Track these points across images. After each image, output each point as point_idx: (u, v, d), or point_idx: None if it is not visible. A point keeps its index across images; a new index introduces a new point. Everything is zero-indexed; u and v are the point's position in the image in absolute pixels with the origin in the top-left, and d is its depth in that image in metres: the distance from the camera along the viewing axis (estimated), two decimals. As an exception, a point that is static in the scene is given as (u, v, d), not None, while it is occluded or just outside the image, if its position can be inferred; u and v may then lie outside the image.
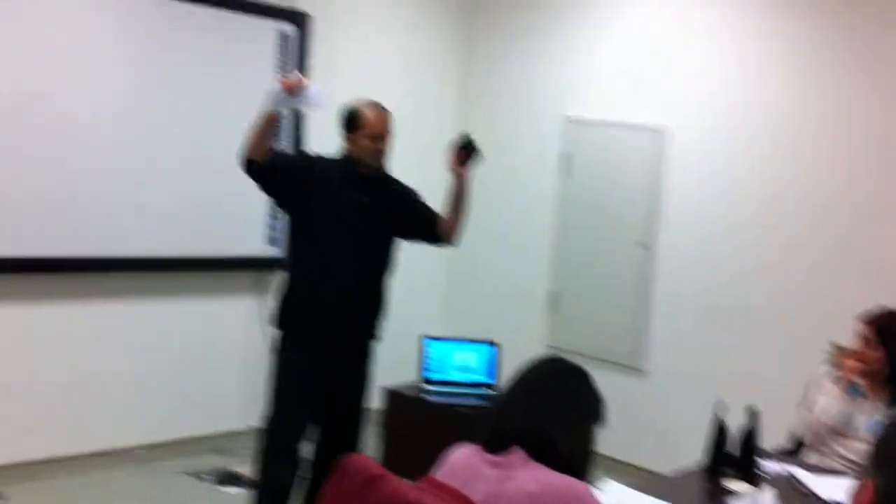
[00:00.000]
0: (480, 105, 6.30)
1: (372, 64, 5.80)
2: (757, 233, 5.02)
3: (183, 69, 4.92)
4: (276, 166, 3.72)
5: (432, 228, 3.99)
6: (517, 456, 2.18)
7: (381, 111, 3.85)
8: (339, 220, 3.81)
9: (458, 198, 3.93)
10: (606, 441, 5.27)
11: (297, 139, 5.32)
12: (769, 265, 4.97)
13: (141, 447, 4.92)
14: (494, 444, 2.24)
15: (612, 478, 4.01)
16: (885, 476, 1.57)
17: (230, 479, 4.85)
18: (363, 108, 3.83)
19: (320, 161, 3.96)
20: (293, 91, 3.58)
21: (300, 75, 3.67)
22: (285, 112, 3.66)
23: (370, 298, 3.96)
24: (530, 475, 2.15)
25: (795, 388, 3.80)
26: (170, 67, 4.87)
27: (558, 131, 5.81)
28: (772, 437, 3.61)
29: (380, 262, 3.97)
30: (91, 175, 4.62)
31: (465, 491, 2.13)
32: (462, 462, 2.27)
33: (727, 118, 5.13)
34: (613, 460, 5.35)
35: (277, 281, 5.32)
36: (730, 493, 2.88)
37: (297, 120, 5.28)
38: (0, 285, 4.44)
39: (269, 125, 3.64)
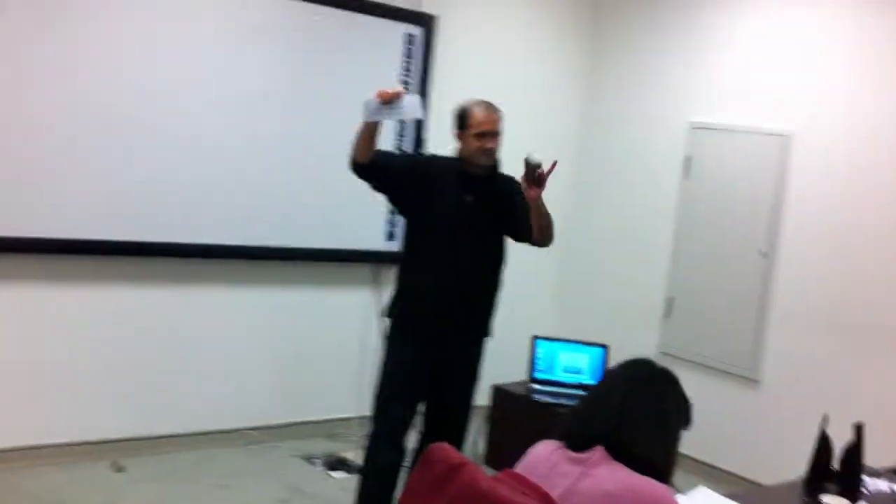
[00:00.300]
0: (604, 109, 6.28)
1: (496, 65, 5.86)
2: (883, 244, 4.84)
3: (312, 70, 5.08)
4: (379, 167, 3.83)
5: (527, 231, 3.96)
6: (598, 454, 2.21)
7: (491, 110, 3.87)
8: (444, 218, 3.89)
9: (537, 214, 3.86)
10: (715, 449, 5.30)
11: (418, 140, 5.42)
12: (894, 279, 4.80)
13: (255, 429, 5.11)
14: (577, 441, 2.27)
15: (714, 486, 3.97)
16: None
17: (339, 464, 4.98)
18: (472, 107, 3.87)
19: (428, 161, 4.08)
20: (389, 102, 3.66)
21: (399, 87, 3.75)
22: (383, 121, 3.75)
23: (476, 295, 4.02)
24: (609, 474, 2.17)
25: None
26: (299, 68, 5.04)
27: (682, 137, 5.75)
28: (888, 456, 3.51)
29: (486, 260, 4.02)
30: (225, 171, 4.83)
31: (544, 485, 2.16)
32: (543, 457, 2.31)
33: (855, 123, 4.97)
34: (721, 469, 5.29)
35: (393, 274, 5.49)
36: (825, 507, 2.82)
37: (419, 122, 5.40)
38: (141, 269, 4.69)
39: (369, 133, 3.75)
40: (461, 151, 3.92)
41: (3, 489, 4.14)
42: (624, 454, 2.20)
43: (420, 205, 3.92)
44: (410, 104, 3.70)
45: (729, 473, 5.21)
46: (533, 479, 2.20)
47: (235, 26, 4.82)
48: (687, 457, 5.45)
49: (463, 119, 3.88)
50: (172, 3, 4.59)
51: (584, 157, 6.37)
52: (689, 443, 5.42)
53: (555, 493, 2.15)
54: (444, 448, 2.29)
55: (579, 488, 2.17)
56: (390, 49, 5.37)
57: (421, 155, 4.13)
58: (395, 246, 5.42)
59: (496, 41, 5.90)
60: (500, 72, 5.85)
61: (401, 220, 5.39)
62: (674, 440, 2.30)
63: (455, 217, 3.89)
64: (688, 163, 5.70)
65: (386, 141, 5.31)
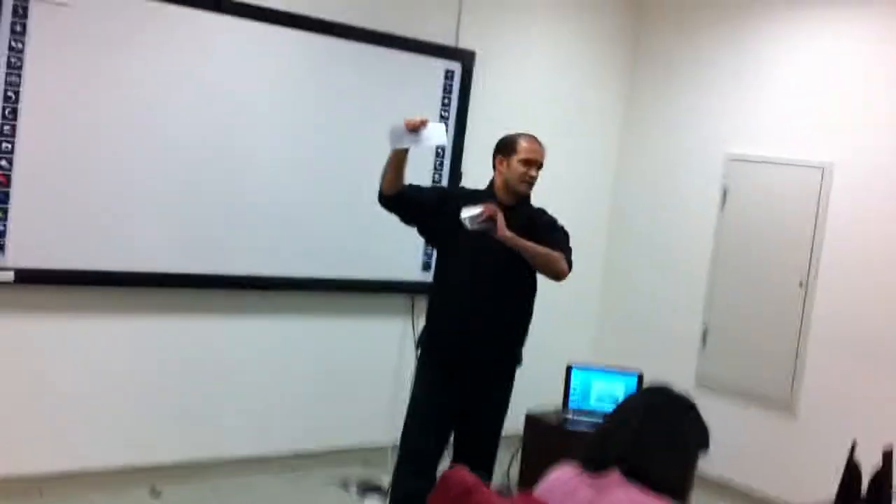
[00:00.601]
0: (642, 141, 6.31)
1: (533, 98, 5.93)
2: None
3: (355, 107, 5.18)
4: (406, 199, 3.93)
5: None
6: (615, 477, 2.24)
7: (538, 142, 4.03)
8: (473, 250, 3.91)
9: (524, 255, 3.87)
10: (752, 476, 5.26)
11: (454, 174, 5.51)
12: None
13: (291, 455, 5.18)
14: (595, 465, 2.30)
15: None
16: None
17: (373, 490, 5.03)
18: (519, 136, 4.01)
19: (457, 193, 4.16)
20: (415, 130, 3.75)
21: (424, 116, 3.84)
22: (409, 148, 3.83)
23: (502, 327, 4.04)
24: (624, 496, 2.19)
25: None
26: (342, 105, 5.14)
27: (719, 168, 5.76)
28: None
29: (514, 290, 4.04)
30: (267, 203, 4.93)
31: (559, 509, 2.20)
32: (561, 480, 2.34)
33: (892, 150, 4.95)
34: (759, 496, 5.26)
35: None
36: (849, 535, 2.81)
37: (456, 154, 5.48)
38: (183, 300, 4.80)
39: (397, 161, 3.84)
40: (501, 178, 4.00)
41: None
42: (640, 477, 2.22)
43: (449, 236, 3.97)
44: (435, 131, 3.81)
45: (766, 499, 5.17)
46: (550, 502, 2.24)
47: (275, 65, 4.93)
48: (725, 484, 5.44)
49: (509, 146, 3.99)
50: (221, 42, 4.73)
51: (622, 189, 6.40)
52: (727, 469, 5.47)
53: (570, 516, 2.19)
54: (459, 472, 2.34)
55: (599, 510, 2.20)
56: (430, 85, 5.47)
57: (452, 187, 4.20)
58: (430, 276, 5.49)
59: (533, 75, 5.97)
60: (538, 105, 5.91)
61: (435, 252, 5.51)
62: (690, 464, 2.32)
63: (483, 248, 3.89)
64: (724, 194, 5.70)
65: (422, 175, 5.41)
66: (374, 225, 5.23)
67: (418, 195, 4.02)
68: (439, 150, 5.46)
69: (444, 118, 5.48)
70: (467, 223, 3.71)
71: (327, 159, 5.13)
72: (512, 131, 4.08)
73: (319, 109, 5.08)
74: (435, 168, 5.49)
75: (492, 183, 4.07)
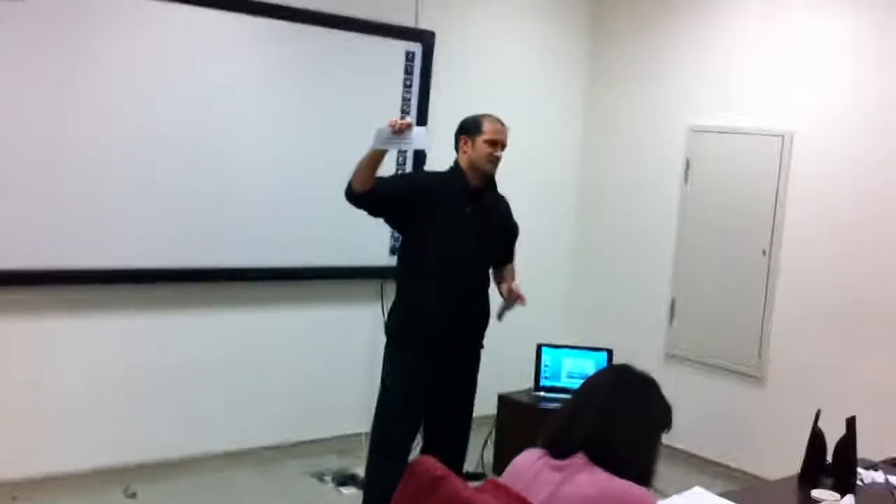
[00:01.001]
0: (604, 116, 6.32)
1: (494, 77, 5.90)
2: (884, 241, 4.86)
3: (314, 91, 5.14)
4: (379, 196, 3.92)
5: (504, 258, 4.25)
6: (579, 461, 2.25)
7: (501, 123, 4.07)
8: (447, 230, 3.98)
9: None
10: (722, 447, 5.33)
11: (418, 155, 5.50)
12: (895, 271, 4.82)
13: (266, 448, 5.16)
14: (559, 448, 2.32)
15: (723, 483, 4.01)
16: None
17: (349, 479, 5.05)
18: (483, 117, 4.06)
19: (427, 177, 4.21)
20: (400, 132, 3.75)
21: (409, 119, 3.90)
22: (390, 150, 3.87)
23: (475, 307, 4.10)
24: (589, 479, 2.21)
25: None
26: (302, 89, 5.10)
27: (681, 140, 5.78)
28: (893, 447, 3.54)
29: (485, 270, 4.14)
30: (228, 193, 4.90)
31: (527, 493, 2.21)
32: (526, 465, 2.36)
33: (856, 121, 4.98)
34: (729, 467, 5.32)
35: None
36: (816, 502, 2.84)
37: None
38: (148, 295, 4.75)
39: (374, 161, 3.83)
40: (466, 159, 4.04)
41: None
42: (604, 459, 2.24)
43: (422, 219, 4.00)
44: (419, 135, 3.82)
45: (737, 471, 5.23)
46: (516, 487, 2.25)
47: (241, 52, 4.90)
48: (695, 455, 5.51)
49: (474, 127, 4.04)
50: (180, 31, 4.68)
51: (587, 165, 6.42)
52: (697, 441, 5.53)
53: (537, 501, 2.20)
54: (427, 461, 2.35)
55: (560, 494, 2.22)
56: (391, 66, 5.44)
57: (419, 172, 4.23)
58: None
59: (494, 54, 5.94)
60: (499, 85, 5.88)
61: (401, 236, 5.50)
62: (654, 443, 2.34)
63: (457, 228, 3.99)
64: (688, 165, 5.73)
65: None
66: (339, 212, 5.17)
67: (391, 191, 4.00)
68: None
69: (405, 99, 5.47)
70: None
71: (289, 146, 5.09)
72: (475, 112, 4.11)
73: (280, 96, 5.04)
74: (398, 152, 5.47)
75: (456, 164, 4.10)
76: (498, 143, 4.02)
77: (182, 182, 4.75)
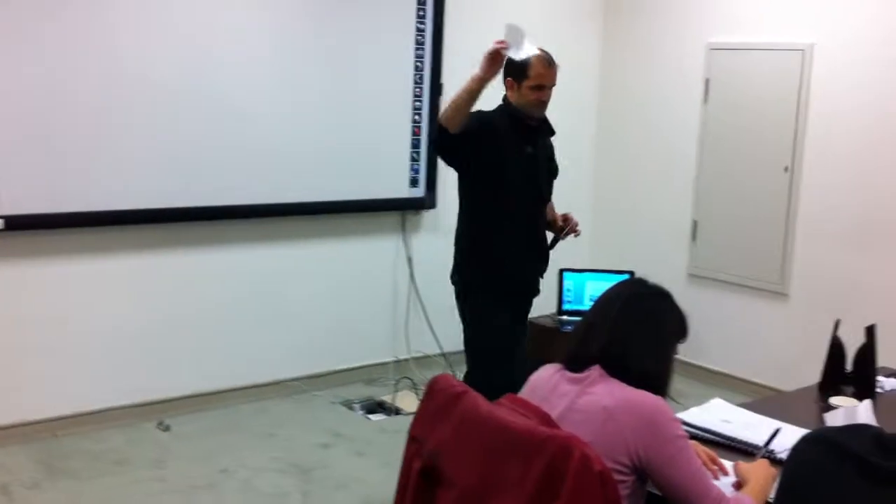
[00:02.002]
0: (622, 37, 6.25)
1: (508, 7, 5.84)
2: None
3: (325, 24, 5.11)
4: (467, 135, 3.67)
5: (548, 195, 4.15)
6: (595, 373, 2.29)
7: (550, 63, 3.85)
8: (516, 173, 3.86)
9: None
10: (748, 364, 5.36)
11: (435, 86, 5.48)
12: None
13: (295, 379, 5.26)
14: (576, 363, 2.36)
15: (744, 397, 4.04)
16: None
17: (378, 406, 5.16)
18: (533, 59, 3.78)
19: (491, 118, 3.86)
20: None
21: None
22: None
23: (544, 246, 4.09)
24: (606, 390, 2.25)
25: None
26: (313, 23, 5.07)
27: (700, 58, 5.71)
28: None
29: (545, 210, 4.10)
30: (244, 131, 4.90)
31: (544, 406, 2.25)
32: (544, 380, 2.40)
33: (876, 32, 4.91)
34: (755, 383, 5.36)
35: (422, 221, 5.58)
36: (833, 408, 2.87)
37: (435, 71, 5.46)
38: (175, 234, 4.83)
39: (476, 96, 3.60)
40: (513, 101, 3.87)
41: (70, 452, 4.36)
42: (620, 370, 2.28)
43: (493, 163, 3.83)
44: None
45: (762, 385, 5.27)
46: (534, 401, 2.29)
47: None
48: (719, 372, 5.56)
49: (522, 70, 3.80)
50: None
51: (606, 89, 6.37)
52: (722, 358, 5.56)
53: (554, 413, 2.24)
54: (446, 378, 2.40)
55: (578, 406, 2.26)
56: (403, 4, 5.38)
57: (484, 114, 3.85)
58: (418, 192, 5.52)
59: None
60: (515, 11, 5.83)
61: (422, 167, 5.52)
62: (668, 353, 2.37)
63: (524, 171, 3.88)
64: (707, 84, 5.68)
65: (402, 87, 5.39)
66: (359, 145, 5.28)
67: (471, 129, 3.70)
68: (418, 64, 5.43)
69: (419, 30, 5.41)
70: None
71: (305, 85, 5.09)
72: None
73: (296, 37, 5.02)
74: (414, 82, 5.45)
75: (507, 101, 3.91)
76: (544, 87, 3.82)
77: (204, 121, 4.77)
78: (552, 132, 4.08)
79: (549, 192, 4.12)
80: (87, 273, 4.61)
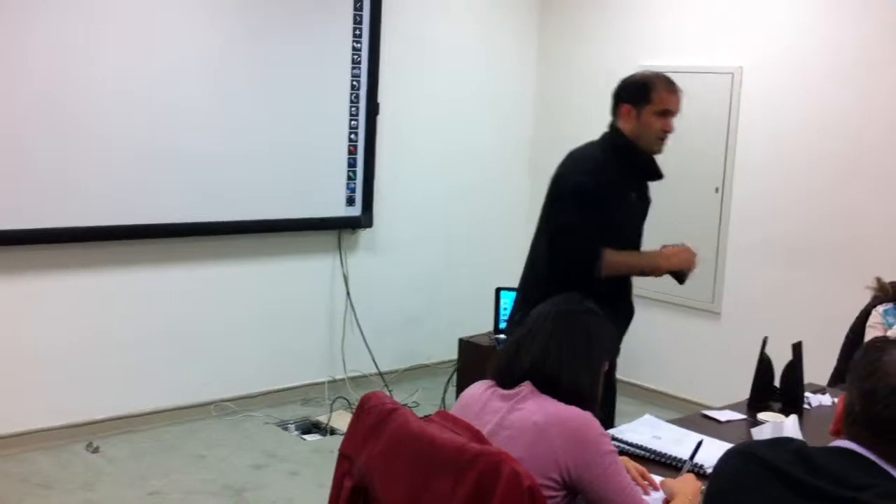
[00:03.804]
0: (555, 60, 6.32)
1: (446, 24, 5.88)
2: (833, 174, 4.93)
3: (264, 39, 5.09)
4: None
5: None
6: (526, 388, 2.30)
7: (676, 86, 3.27)
8: (617, 228, 3.34)
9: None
10: (680, 381, 5.41)
11: (370, 102, 5.48)
12: (845, 206, 4.89)
13: (231, 399, 5.19)
14: (507, 378, 2.37)
15: (675, 414, 4.07)
16: (851, 388, 1.73)
17: (313, 427, 5.11)
18: (655, 79, 3.26)
19: (603, 169, 3.30)
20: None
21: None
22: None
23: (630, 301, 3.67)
24: (536, 405, 2.26)
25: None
26: (251, 37, 5.04)
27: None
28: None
29: None
30: (182, 146, 4.85)
31: (476, 423, 2.25)
32: (475, 396, 2.40)
33: (805, 56, 5.03)
34: (686, 400, 5.42)
35: (359, 240, 5.55)
36: (760, 423, 2.92)
37: (372, 86, 5.45)
38: (111, 252, 4.75)
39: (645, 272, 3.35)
40: (630, 130, 3.29)
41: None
42: (550, 387, 2.29)
43: (601, 224, 3.26)
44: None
45: (694, 403, 5.33)
46: (466, 418, 2.29)
47: (192, 7, 4.83)
48: (652, 390, 5.62)
49: (644, 91, 3.23)
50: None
51: (541, 112, 6.42)
52: (654, 376, 5.61)
53: (486, 430, 2.24)
54: (378, 395, 2.39)
55: (508, 422, 2.26)
56: (339, 14, 5.37)
57: (597, 172, 3.26)
58: (355, 211, 5.51)
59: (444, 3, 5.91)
60: (452, 30, 5.88)
61: (358, 185, 5.51)
62: (598, 369, 2.38)
63: (627, 223, 3.43)
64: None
65: (339, 106, 5.38)
66: (294, 163, 5.26)
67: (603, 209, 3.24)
68: (354, 83, 5.43)
69: (356, 49, 5.40)
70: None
71: (242, 100, 5.05)
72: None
73: (231, 50, 5.00)
74: (350, 101, 5.45)
75: (616, 132, 3.31)
76: (671, 115, 3.24)
77: (134, 136, 4.70)
78: (660, 176, 3.45)
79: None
80: (15, 291, 4.51)
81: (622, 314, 3.50)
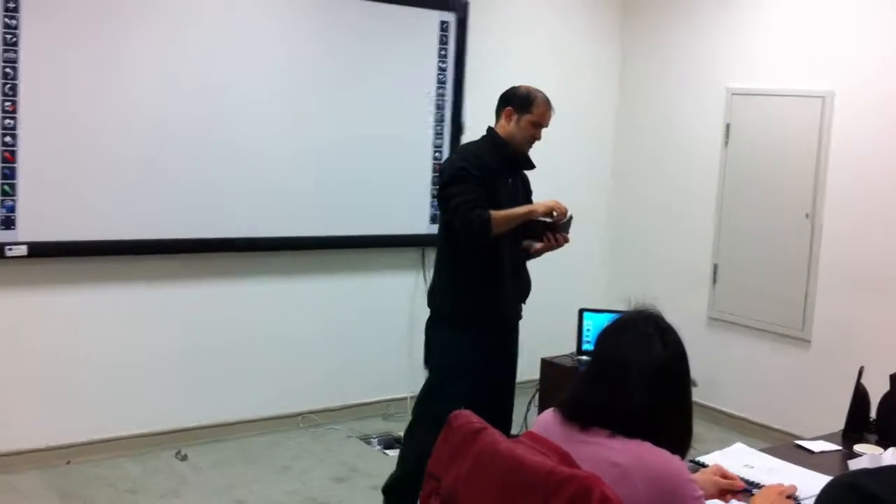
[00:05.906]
0: (641, 81, 6.29)
1: (527, 46, 5.91)
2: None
3: (349, 63, 5.19)
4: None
5: None
6: (604, 433, 2.17)
7: (551, 106, 3.91)
8: (507, 204, 3.82)
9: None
10: (768, 410, 5.30)
11: (456, 125, 5.56)
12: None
13: (314, 412, 5.27)
14: (585, 420, 2.18)
15: (764, 443, 4.00)
16: None
17: (394, 442, 5.12)
18: (538, 95, 3.88)
19: (478, 163, 3.82)
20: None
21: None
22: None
23: (525, 281, 4.06)
24: (621, 446, 2.11)
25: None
26: (337, 61, 5.15)
27: (720, 104, 5.73)
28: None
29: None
30: (269, 167, 4.98)
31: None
32: (554, 425, 2.31)
33: (893, 77, 4.92)
34: (775, 429, 5.30)
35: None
36: (857, 455, 2.84)
37: (456, 106, 5.54)
38: (199, 265, 4.89)
39: (526, 219, 3.78)
40: (507, 131, 3.89)
41: (85, 480, 4.37)
42: (644, 433, 2.11)
43: (489, 201, 3.78)
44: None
45: (782, 432, 5.22)
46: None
47: (270, 22, 4.95)
48: (738, 417, 5.51)
49: (526, 103, 3.86)
50: (205, 3, 4.75)
51: (623, 131, 6.40)
52: (741, 403, 5.51)
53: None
54: (465, 415, 2.38)
55: (580, 454, 2.14)
56: (425, 37, 5.47)
57: (470, 160, 3.81)
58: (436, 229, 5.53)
59: (527, 22, 5.94)
60: (533, 52, 5.90)
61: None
62: (690, 407, 2.22)
63: (508, 204, 3.83)
64: (727, 129, 5.69)
65: (424, 125, 5.44)
66: (380, 180, 5.33)
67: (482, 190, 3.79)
68: (438, 102, 5.48)
69: (441, 69, 5.48)
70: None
71: (327, 117, 5.16)
72: (511, 83, 3.98)
73: (315, 66, 5.10)
74: (436, 121, 5.50)
75: (493, 132, 3.92)
76: (542, 126, 3.90)
77: (223, 154, 4.84)
78: (532, 166, 4.06)
79: None
80: (109, 301, 4.65)
81: (523, 284, 4.06)
